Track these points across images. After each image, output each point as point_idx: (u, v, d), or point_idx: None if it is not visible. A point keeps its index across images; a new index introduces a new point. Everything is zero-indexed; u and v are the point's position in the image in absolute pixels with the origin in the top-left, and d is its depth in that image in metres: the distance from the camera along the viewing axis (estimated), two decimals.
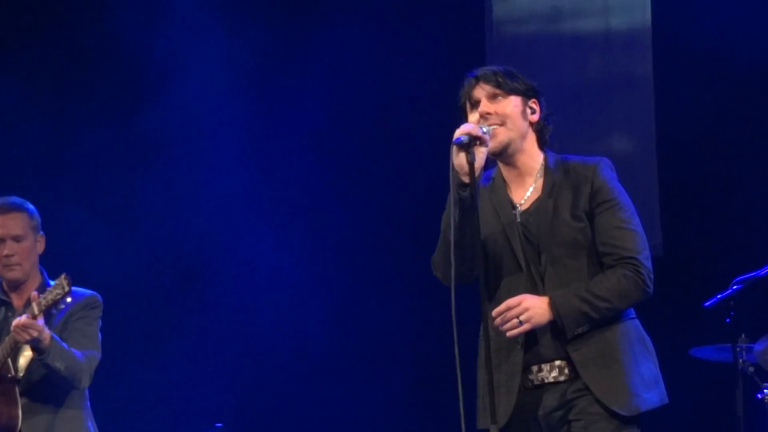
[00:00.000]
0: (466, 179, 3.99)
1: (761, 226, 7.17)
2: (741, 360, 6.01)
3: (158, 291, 7.94)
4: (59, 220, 6.52)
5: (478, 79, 4.20)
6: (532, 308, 4.02)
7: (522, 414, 4.11)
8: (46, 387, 5.30)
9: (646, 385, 4.09)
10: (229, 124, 7.96)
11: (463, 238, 4.04)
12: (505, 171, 4.25)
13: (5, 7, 8.06)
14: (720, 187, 7.36)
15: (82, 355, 5.29)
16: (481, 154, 4.02)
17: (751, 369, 6.11)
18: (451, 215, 4.04)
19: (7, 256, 5.39)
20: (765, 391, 6.12)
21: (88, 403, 5.48)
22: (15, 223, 5.43)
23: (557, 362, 4.10)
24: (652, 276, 4.11)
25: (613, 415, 4.04)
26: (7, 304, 5.47)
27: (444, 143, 4.07)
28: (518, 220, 4.18)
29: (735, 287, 5.81)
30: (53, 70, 8.00)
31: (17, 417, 5.26)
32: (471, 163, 3.98)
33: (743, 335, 6.08)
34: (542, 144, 4.25)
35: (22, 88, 7.74)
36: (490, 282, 4.15)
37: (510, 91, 4.18)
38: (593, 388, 4.04)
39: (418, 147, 7.65)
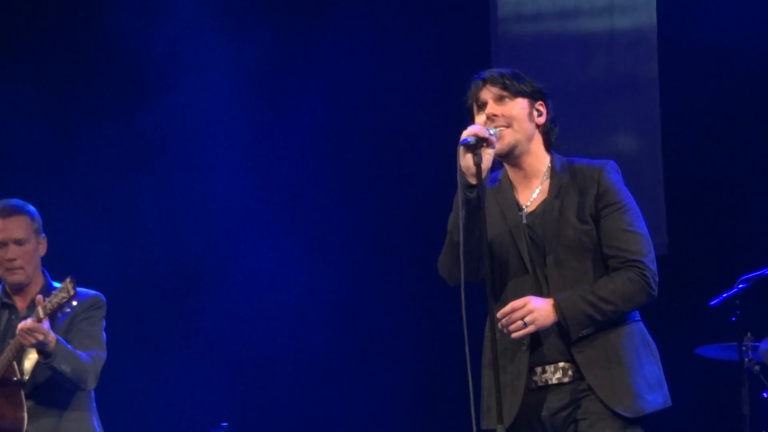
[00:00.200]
0: (473, 180, 3.99)
1: (766, 224, 7.17)
2: (746, 359, 6.00)
3: (162, 291, 7.93)
4: (60, 221, 6.50)
5: (485, 81, 4.20)
6: (537, 310, 4.01)
7: (526, 415, 4.11)
8: (52, 389, 5.30)
9: (650, 388, 4.09)
10: (230, 124, 7.95)
11: (470, 239, 4.03)
12: (512, 173, 4.25)
13: (6, 8, 8.05)
14: (725, 186, 7.36)
15: (88, 357, 5.29)
16: (488, 156, 4.02)
17: (757, 368, 6.11)
18: (458, 216, 4.04)
19: (9, 259, 5.39)
20: None
21: (94, 404, 5.48)
22: (17, 226, 5.41)
23: (561, 364, 4.10)
24: (657, 279, 4.11)
25: (617, 415, 4.04)
26: (11, 307, 5.46)
27: (448, 144, 4.06)
28: (524, 221, 4.17)
29: (740, 286, 5.83)
30: (54, 71, 7.98)
31: (22, 420, 5.26)
32: (478, 164, 3.98)
33: (749, 334, 6.08)
34: (549, 146, 4.25)
35: (22, 89, 7.72)
36: (496, 283, 4.15)
37: (517, 94, 4.18)
38: (597, 390, 4.05)
39: (421, 148, 7.64)
